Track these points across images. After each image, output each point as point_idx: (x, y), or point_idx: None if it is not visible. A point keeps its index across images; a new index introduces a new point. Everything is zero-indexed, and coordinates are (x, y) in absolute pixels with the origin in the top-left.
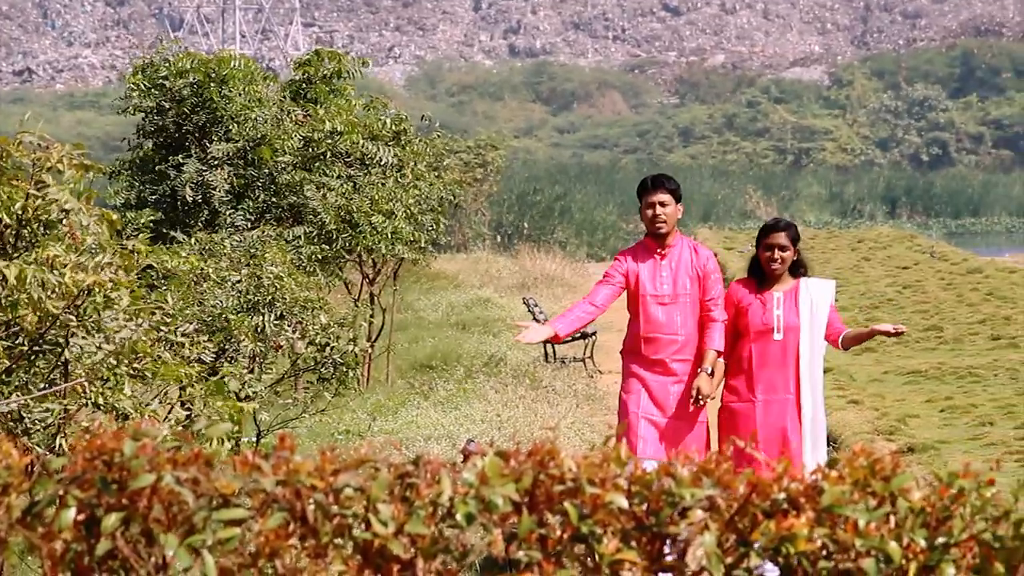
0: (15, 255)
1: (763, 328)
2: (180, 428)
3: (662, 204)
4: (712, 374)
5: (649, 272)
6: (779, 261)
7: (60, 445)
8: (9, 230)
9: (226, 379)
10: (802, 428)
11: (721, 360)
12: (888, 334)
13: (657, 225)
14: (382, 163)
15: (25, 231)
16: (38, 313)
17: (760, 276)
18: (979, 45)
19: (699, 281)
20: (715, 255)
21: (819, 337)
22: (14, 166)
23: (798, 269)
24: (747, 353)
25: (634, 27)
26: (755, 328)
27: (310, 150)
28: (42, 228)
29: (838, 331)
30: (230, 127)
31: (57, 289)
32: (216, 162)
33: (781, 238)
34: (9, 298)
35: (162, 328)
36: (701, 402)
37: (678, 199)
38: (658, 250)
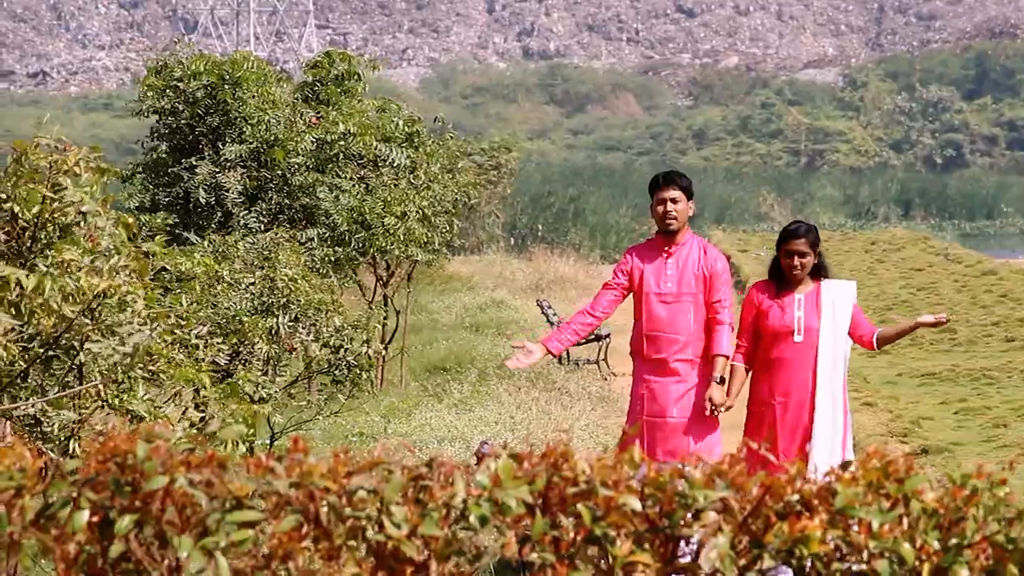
0: (31, 257)
1: (783, 330)
2: (194, 431)
3: (673, 201)
4: (723, 381)
5: (654, 269)
6: (799, 267)
7: (75, 448)
8: (27, 232)
9: (240, 382)
10: (815, 430)
11: (741, 366)
12: (931, 325)
13: (667, 222)
14: (395, 165)
15: (41, 234)
16: (53, 317)
17: (780, 279)
18: (994, 47)
19: (705, 281)
20: (728, 257)
21: (841, 339)
22: (31, 168)
23: (819, 271)
24: (768, 356)
25: (648, 29)
26: (775, 330)
27: (323, 152)
28: (58, 231)
29: (870, 331)
30: (243, 129)
31: (73, 294)
32: (229, 164)
33: (801, 244)
34: (26, 304)
35: (176, 331)
36: (715, 412)
37: (689, 196)
38: (666, 247)
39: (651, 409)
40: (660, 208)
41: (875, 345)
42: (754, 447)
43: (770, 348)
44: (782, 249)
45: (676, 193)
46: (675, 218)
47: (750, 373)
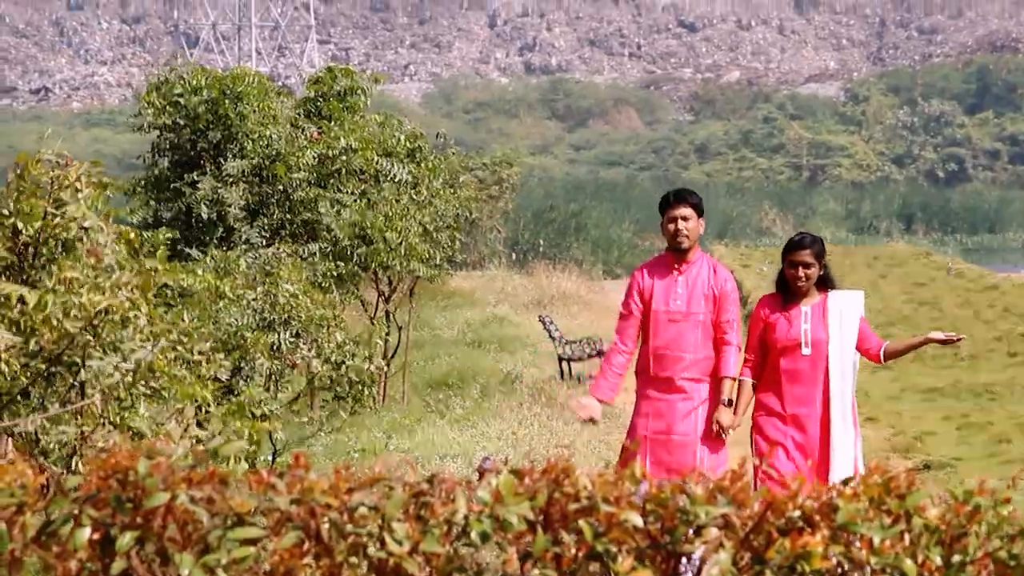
0: (33, 273)
1: (790, 343)
2: (200, 447)
3: (684, 219)
4: (730, 404)
5: (664, 288)
6: (804, 278)
7: (76, 465)
8: (29, 248)
9: (245, 399)
10: (831, 444)
11: (749, 382)
12: (941, 343)
13: (679, 240)
14: (396, 180)
15: (43, 249)
16: (55, 333)
17: (787, 291)
18: (995, 61)
19: (714, 301)
20: (732, 273)
21: (849, 351)
22: (32, 184)
23: (825, 283)
24: (776, 368)
25: (649, 44)
26: (782, 343)
27: (324, 167)
28: (60, 247)
29: (877, 344)
30: (245, 144)
31: (75, 310)
32: (231, 179)
33: (805, 255)
34: (28, 321)
35: (179, 347)
36: (724, 435)
37: (700, 214)
38: (676, 265)
39: (656, 426)
40: (671, 226)
41: (883, 359)
42: (762, 463)
43: (778, 361)
44: (787, 260)
45: (687, 211)
46: (686, 236)
47: (756, 387)
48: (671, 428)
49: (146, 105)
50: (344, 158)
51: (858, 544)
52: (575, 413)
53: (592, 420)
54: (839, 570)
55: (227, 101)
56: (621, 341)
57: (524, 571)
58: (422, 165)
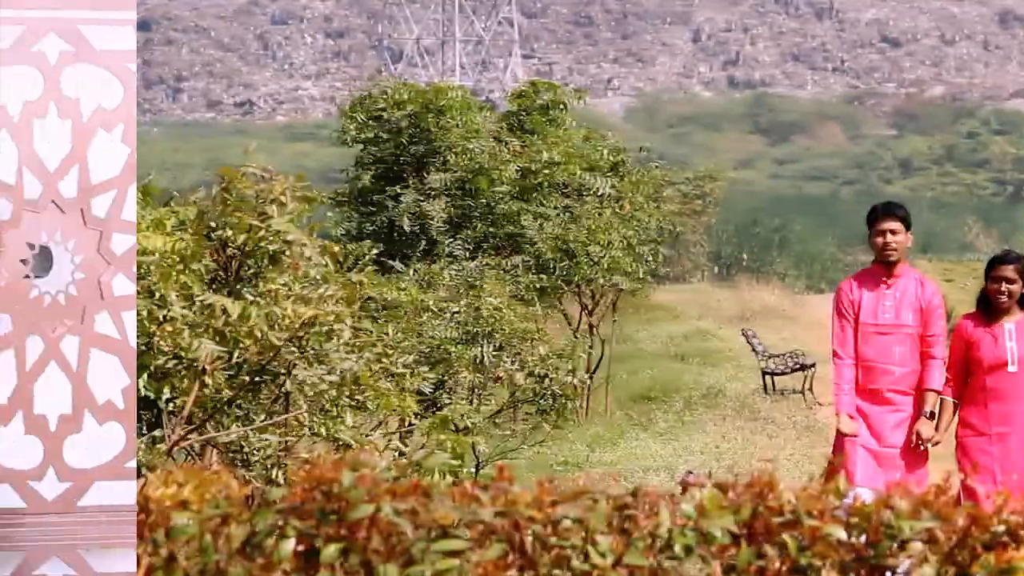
0: (238, 285)
1: (996, 362)
2: (402, 459)
3: (892, 232)
4: (932, 416)
5: (872, 301)
6: (1006, 294)
7: (279, 476)
8: (234, 260)
9: (448, 412)
10: None
11: (950, 401)
12: None
13: (887, 252)
14: (599, 193)
15: (249, 262)
16: (259, 344)
17: (989, 309)
18: None
19: (921, 315)
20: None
21: None
22: (238, 197)
23: None
24: (981, 387)
25: (853, 58)
26: (988, 362)
27: (527, 180)
28: (266, 259)
29: None
30: (447, 157)
31: (280, 322)
32: (434, 192)
33: (1008, 271)
34: (232, 332)
35: (383, 359)
36: (923, 447)
37: (908, 228)
38: (884, 278)
39: (867, 437)
40: (879, 239)
41: None
42: (968, 479)
43: (983, 379)
44: (990, 276)
45: (895, 224)
46: (895, 249)
47: (958, 406)
48: (881, 440)
49: (349, 119)
50: (547, 172)
51: None
52: (841, 433)
53: (854, 434)
54: None
55: (430, 115)
56: (844, 354)
57: None
58: (625, 179)
